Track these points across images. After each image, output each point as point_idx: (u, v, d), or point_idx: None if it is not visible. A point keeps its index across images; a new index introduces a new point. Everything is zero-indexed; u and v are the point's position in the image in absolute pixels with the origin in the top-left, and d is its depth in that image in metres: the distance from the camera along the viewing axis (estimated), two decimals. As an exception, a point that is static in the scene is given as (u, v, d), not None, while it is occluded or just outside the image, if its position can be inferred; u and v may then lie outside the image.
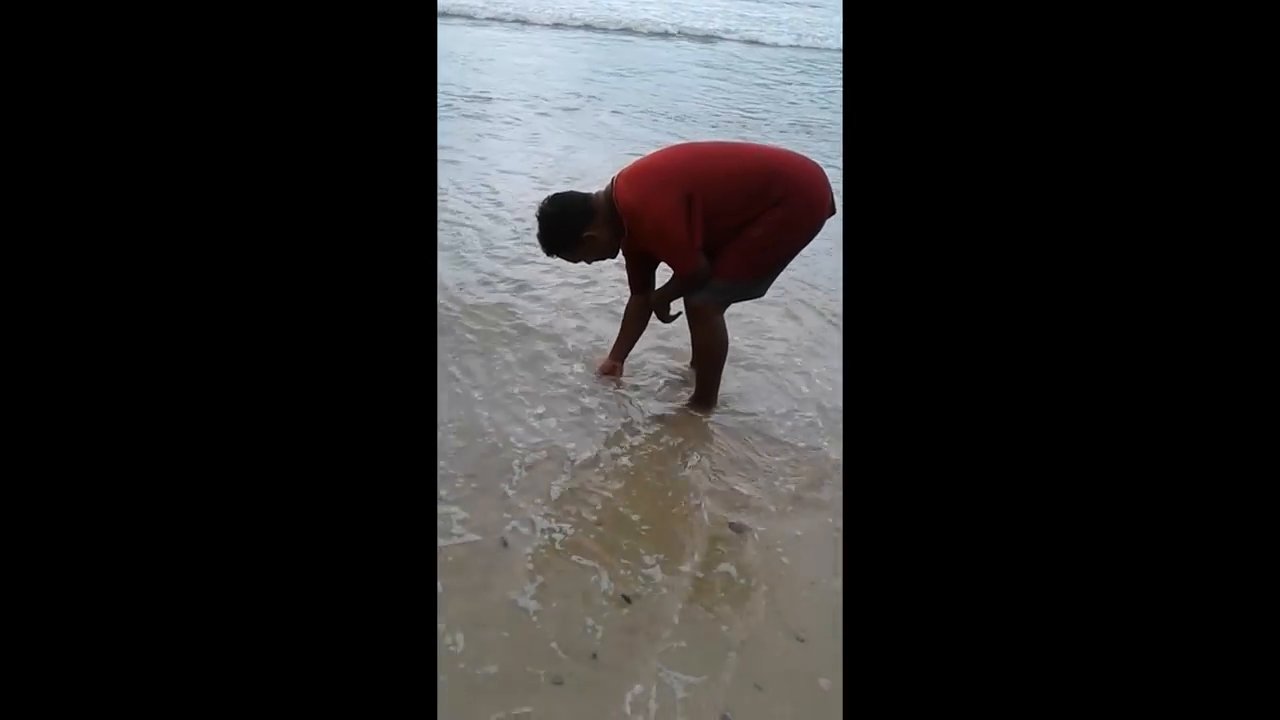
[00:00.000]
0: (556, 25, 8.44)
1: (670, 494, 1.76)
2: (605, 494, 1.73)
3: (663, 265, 2.04)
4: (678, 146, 2.06)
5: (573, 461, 1.83)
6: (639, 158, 2.00)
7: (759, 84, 6.64)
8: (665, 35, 8.41)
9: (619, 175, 1.92)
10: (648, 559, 1.54)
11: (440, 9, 8.32)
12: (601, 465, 1.84)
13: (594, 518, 1.65)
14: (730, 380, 2.18)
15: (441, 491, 1.66)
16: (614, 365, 2.19)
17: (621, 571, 1.50)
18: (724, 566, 1.55)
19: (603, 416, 2.03)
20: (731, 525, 1.67)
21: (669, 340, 2.39)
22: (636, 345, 2.22)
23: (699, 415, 2.06)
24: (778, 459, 1.92)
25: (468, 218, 3.25)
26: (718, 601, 1.46)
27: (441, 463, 1.74)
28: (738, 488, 1.80)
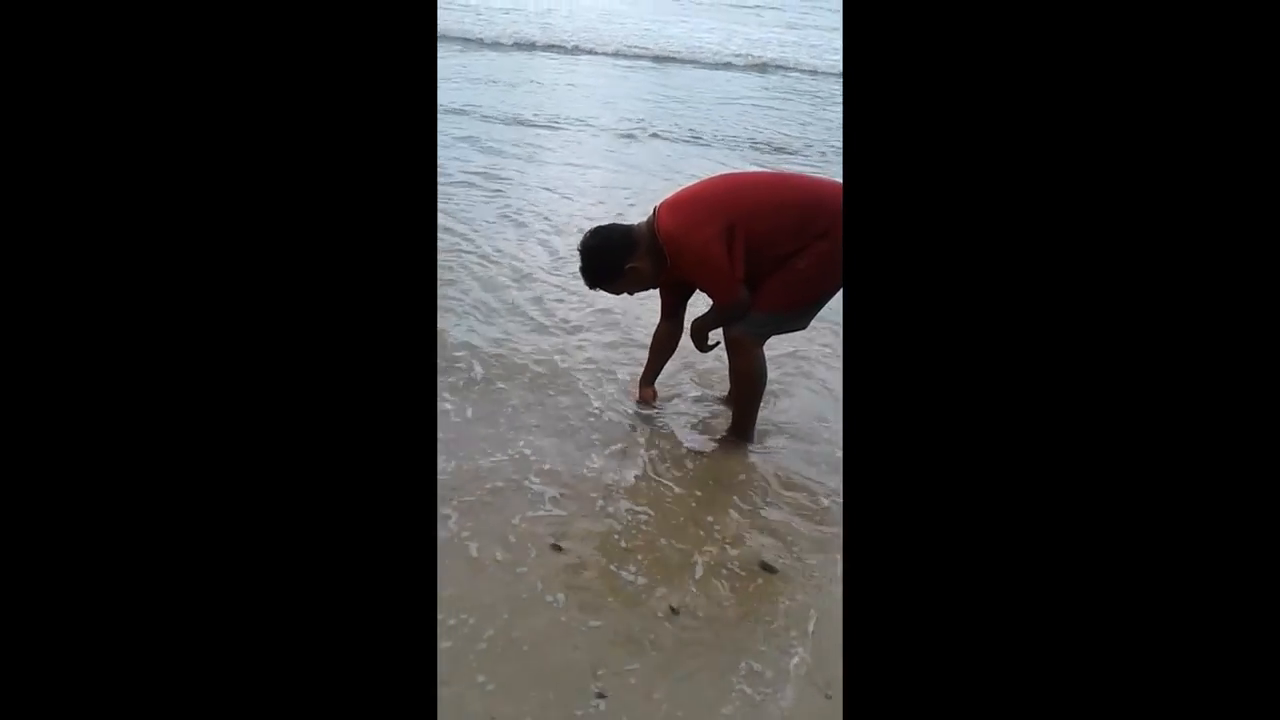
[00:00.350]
0: (616, 53, 8.57)
1: (700, 530, 1.72)
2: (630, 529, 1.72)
3: (699, 294, 2.03)
4: (722, 176, 2.05)
5: (612, 484, 1.82)
6: (683, 186, 1.99)
7: (812, 109, 6.59)
8: (727, 65, 8.40)
9: (661, 204, 1.91)
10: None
11: (497, 38, 8.56)
12: (629, 502, 1.82)
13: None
14: (771, 411, 2.14)
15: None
16: (648, 391, 2.19)
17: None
18: (753, 610, 1.51)
19: (635, 447, 2.01)
20: (763, 565, 1.62)
21: (702, 366, 2.37)
22: (676, 375, 2.19)
23: (735, 449, 2.02)
24: (814, 497, 1.86)
25: (510, 253, 3.29)
26: (742, 647, 1.42)
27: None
28: (772, 524, 1.75)
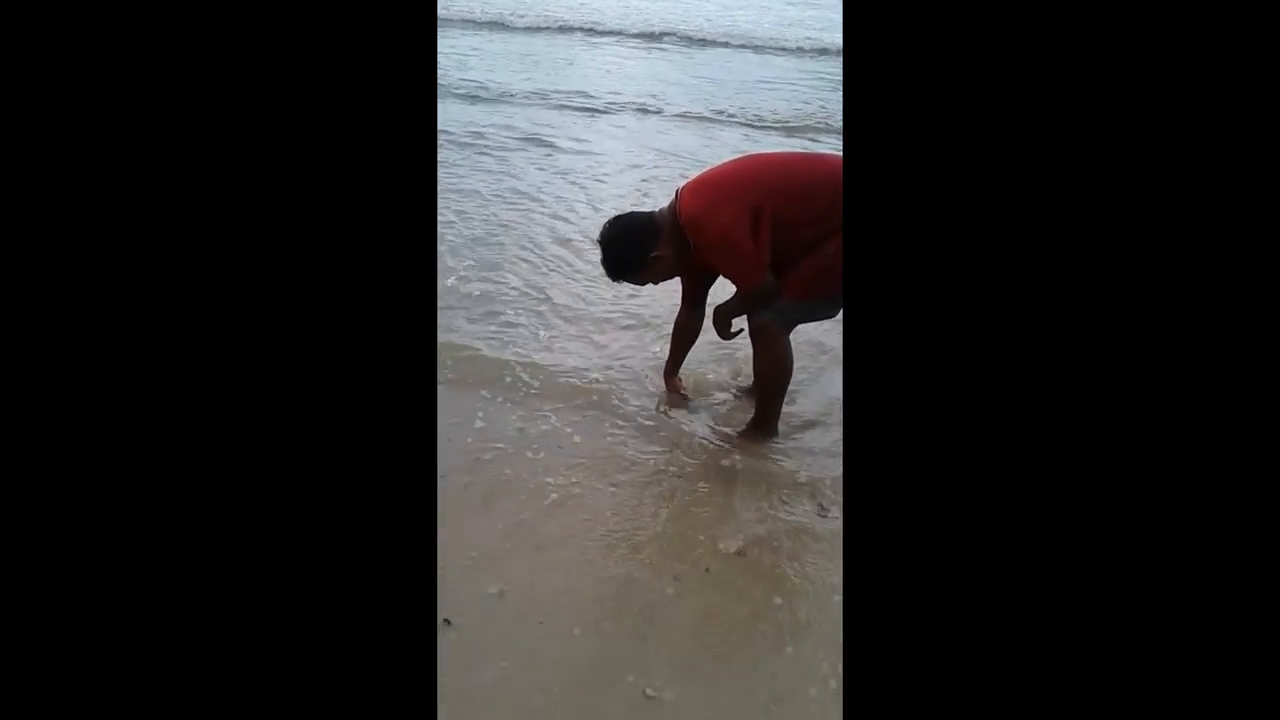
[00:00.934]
0: (661, 34, 8.37)
1: (720, 523, 1.65)
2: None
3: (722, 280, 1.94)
4: (749, 156, 1.95)
5: (631, 477, 1.76)
6: (708, 167, 1.90)
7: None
8: (783, 49, 8.10)
9: (684, 187, 1.82)
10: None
11: (531, 22, 8.47)
12: (647, 493, 1.76)
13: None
14: (795, 403, 2.05)
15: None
16: (673, 382, 2.12)
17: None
18: (770, 622, 1.44)
19: (657, 440, 1.95)
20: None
21: (732, 354, 2.29)
22: (701, 365, 2.12)
23: (758, 442, 1.94)
24: (838, 489, 1.77)
25: (528, 234, 3.23)
26: (751, 658, 1.35)
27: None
28: (794, 517, 1.68)
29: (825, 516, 1.61)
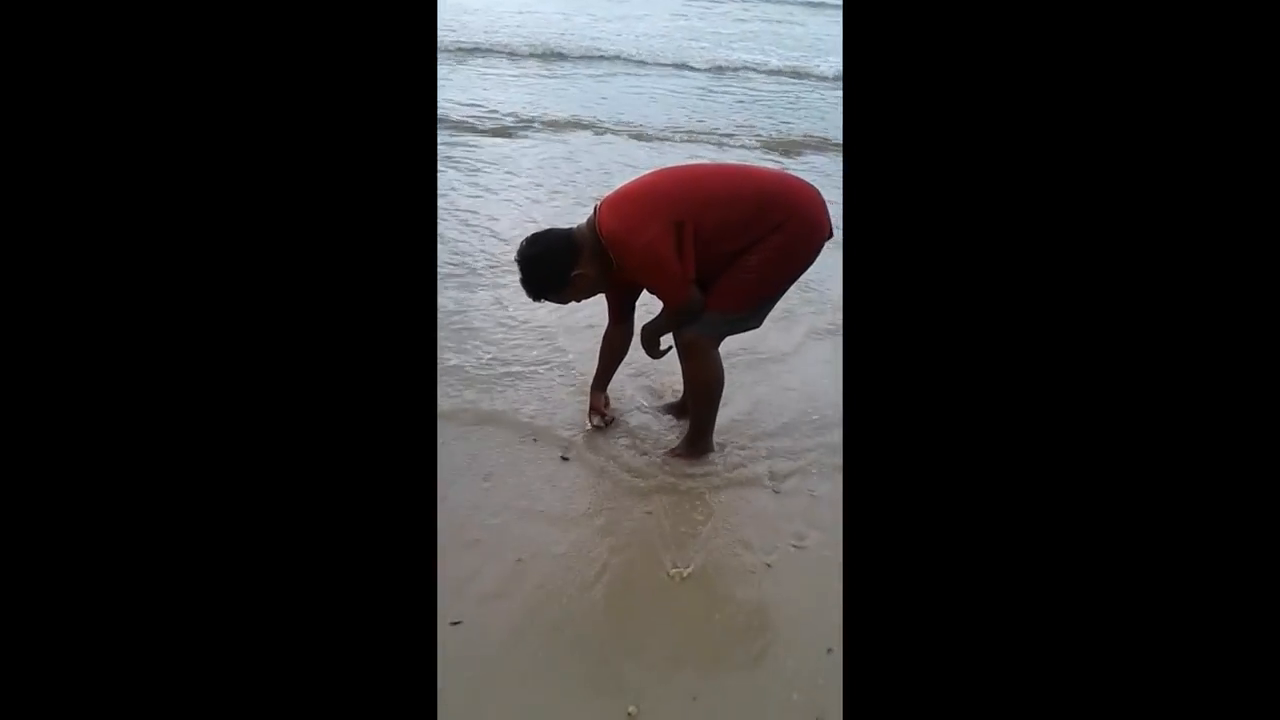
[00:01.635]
0: (552, 53, 8.29)
1: (668, 547, 1.60)
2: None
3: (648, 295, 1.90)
4: (667, 169, 1.91)
5: (563, 505, 1.68)
6: (624, 181, 1.86)
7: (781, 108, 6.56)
8: (671, 64, 8.14)
9: (602, 203, 1.77)
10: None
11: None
12: (585, 524, 1.68)
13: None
14: (728, 416, 2.03)
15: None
16: (599, 398, 2.06)
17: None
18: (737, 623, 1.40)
19: (586, 460, 1.88)
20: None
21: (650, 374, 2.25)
22: (628, 381, 2.07)
23: (694, 458, 1.90)
24: (786, 510, 1.76)
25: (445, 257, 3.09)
26: (730, 667, 1.30)
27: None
28: (740, 540, 1.65)
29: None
